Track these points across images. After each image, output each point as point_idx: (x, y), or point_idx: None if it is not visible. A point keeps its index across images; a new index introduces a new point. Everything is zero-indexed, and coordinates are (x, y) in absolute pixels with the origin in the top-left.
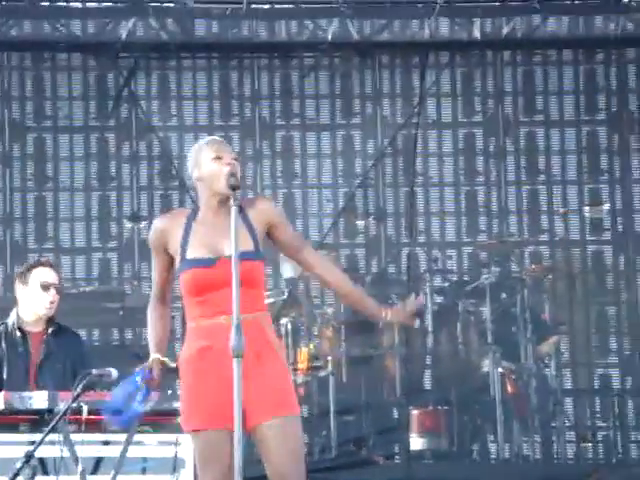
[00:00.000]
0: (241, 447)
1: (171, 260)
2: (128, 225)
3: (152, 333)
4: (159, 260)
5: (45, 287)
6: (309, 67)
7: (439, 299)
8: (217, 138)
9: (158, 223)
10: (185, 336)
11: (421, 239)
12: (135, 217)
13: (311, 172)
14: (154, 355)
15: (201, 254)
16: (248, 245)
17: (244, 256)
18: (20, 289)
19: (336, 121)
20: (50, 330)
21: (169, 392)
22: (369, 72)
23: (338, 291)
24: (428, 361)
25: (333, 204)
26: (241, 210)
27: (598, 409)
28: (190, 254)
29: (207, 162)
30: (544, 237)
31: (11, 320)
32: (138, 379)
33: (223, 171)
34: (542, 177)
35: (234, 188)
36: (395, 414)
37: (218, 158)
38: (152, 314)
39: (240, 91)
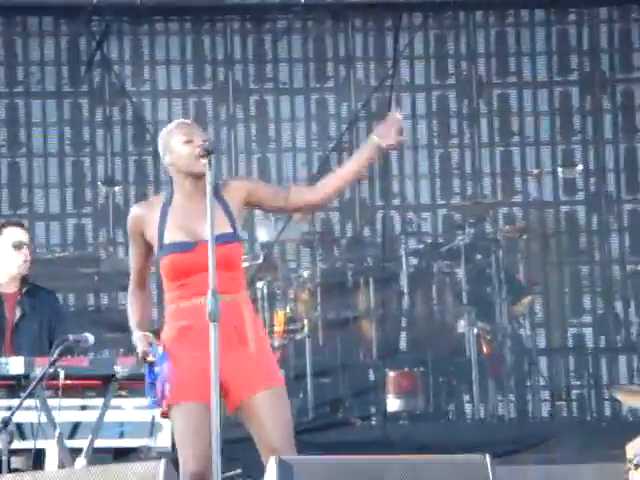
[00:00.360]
0: (219, 415)
1: (149, 247)
2: (102, 190)
3: (132, 315)
4: (136, 247)
5: (17, 246)
6: (282, 30)
7: (414, 261)
8: (186, 121)
9: (134, 210)
10: (164, 319)
11: (395, 202)
12: (109, 182)
13: (285, 136)
14: (137, 332)
15: (179, 238)
16: (226, 227)
17: (222, 239)
18: None
19: (310, 85)
20: (24, 290)
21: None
22: (342, 35)
23: (342, 189)
24: (404, 323)
25: (307, 168)
26: (216, 193)
27: (572, 368)
28: (168, 239)
29: (178, 146)
30: (518, 198)
31: None
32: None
33: (195, 153)
34: (516, 138)
35: (209, 152)
36: (371, 376)
37: (189, 142)
38: (131, 299)
39: (213, 55)
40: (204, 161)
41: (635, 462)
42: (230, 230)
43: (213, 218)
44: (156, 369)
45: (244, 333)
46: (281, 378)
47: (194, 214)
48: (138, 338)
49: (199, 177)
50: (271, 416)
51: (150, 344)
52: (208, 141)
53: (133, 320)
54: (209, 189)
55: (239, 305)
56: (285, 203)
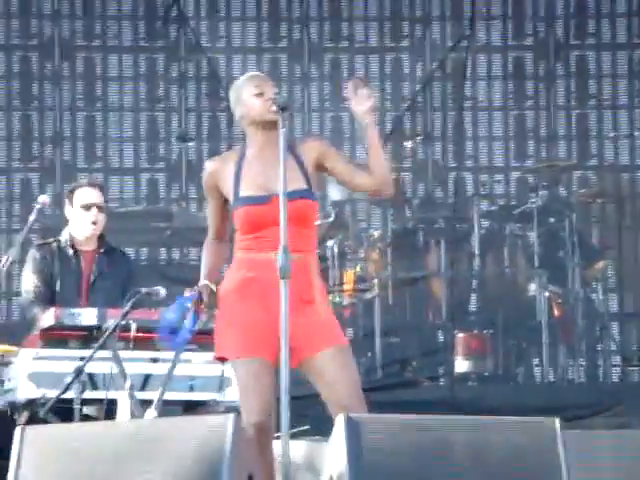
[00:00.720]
0: (287, 368)
1: (224, 201)
2: (176, 146)
3: (204, 263)
4: (213, 201)
5: (87, 207)
6: None
7: (486, 223)
8: (257, 73)
9: (209, 165)
10: (230, 267)
11: (468, 163)
12: (183, 136)
13: None
14: (203, 281)
15: (254, 192)
16: (300, 183)
17: (297, 194)
18: (68, 209)
19: (385, 44)
20: (101, 250)
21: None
22: None
23: (383, 168)
24: (474, 284)
25: (381, 128)
26: (292, 149)
27: None
28: (243, 192)
29: (249, 98)
30: (593, 162)
31: (64, 238)
32: (188, 304)
33: (266, 105)
34: (592, 101)
35: (283, 109)
36: (440, 336)
37: (260, 94)
38: (205, 250)
39: (289, 13)
40: (274, 107)
41: None
42: (305, 186)
43: (286, 173)
44: (188, 319)
45: (311, 293)
46: (345, 339)
47: (269, 167)
48: (203, 287)
49: (271, 128)
50: (340, 373)
51: (210, 293)
52: (279, 94)
53: (203, 271)
54: (282, 145)
55: (307, 265)
56: (351, 181)
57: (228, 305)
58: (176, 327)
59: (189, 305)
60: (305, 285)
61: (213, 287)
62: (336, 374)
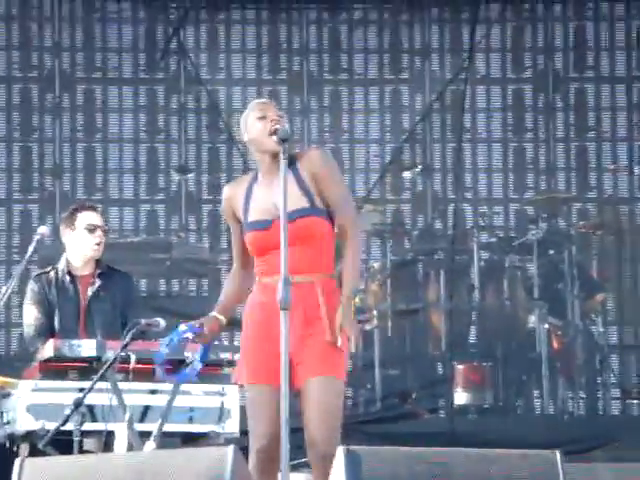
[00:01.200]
0: (287, 399)
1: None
2: (176, 177)
3: (222, 293)
4: (233, 227)
5: (91, 229)
6: (358, 20)
7: (485, 255)
8: (262, 99)
9: (225, 192)
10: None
11: (468, 195)
12: (183, 169)
13: (359, 127)
14: (212, 313)
15: (258, 217)
16: (301, 202)
17: (296, 214)
18: (67, 234)
19: (384, 76)
20: (98, 272)
21: (215, 343)
22: (418, 26)
23: (342, 267)
24: (474, 316)
25: (380, 159)
26: (292, 163)
27: None
28: (250, 217)
29: (253, 123)
30: (592, 194)
31: (61, 265)
32: (188, 335)
33: (267, 128)
34: (592, 134)
35: (282, 140)
36: (440, 368)
37: (263, 118)
38: (228, 278)
39: (289, 45)
40: (275, 138)
41: None
42: (306, 204)
43: (286, 195)
44: (196, 354)
45: (312, 319)
46: (337, 369)
47: (273, 191)
48: (209, 318)
49: (274, 154)
50: (315, 403)
51: (201, 326)
52: (281, 126)
53: (218, 300)
54: (282, 175)
55: (313, 287)
56: (336, 217)
57: (243, 330)
58: (171, 359)
59: (188, 336)
60: (311, 307)
61: (221, 318)
62: (311, 402)
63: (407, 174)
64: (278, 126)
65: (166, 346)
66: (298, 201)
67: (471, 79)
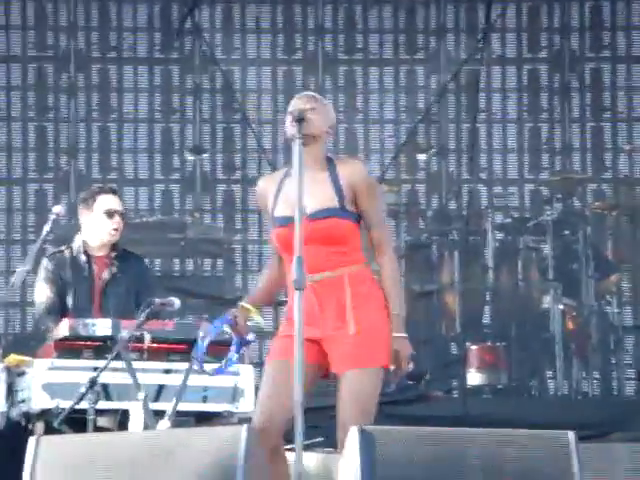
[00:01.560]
0: (302, 379)
1: None
2: (190, 157)
3: (258, 280)
4: (269, 219)
5: (110, 214)
6: (373, 0)
7: (500, 235)
8: (301, 94)
9: (258, 185)
10: None
11: (483, 175)
12: (197, 150)
13: (373, 107)
14: (240, 303)
15: (285, 212)
16: (332, 202)
17: (326, 213)
18: (84, 215)
19: (399, 56)
20: (114, 254)
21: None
22: (434, 6)
23: (383, 284)
24: (488, 297)
25: (395, 140)
26: (331, 166)
27: None
28: (277, 212)
29: (286, 119)
30: (608, 175)
31: (76, 245)
32: (225, 327)
33: (288, 120)
34: (607, 114)
35: (299, 120)
36: (454, 349)
37: (290, 112)
38: (266, 266)
39: (304, 25)
40: (293, 127)
41: None
42: (335, 205)
43: (315, 189)
44: (232, 348)
45: (343, 312)
46: (375, 360)
47: (303, 186)
48: (238, 309)
49: (306, 145)
50: (348, 398)
51: (233, 318)
52: (310, 110)
53: (257, 286)
54: (297, 157)
55: (341, 282)
56: (369, 231)
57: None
58: (205, 350)
59: (225, 329)
60: (337, 302)
61: (249, 307)
62: (344, 397)
63: (422, 156)
64: (295, 113)
65: (202, 339)
66: (328, 201)
67: (486, 59)
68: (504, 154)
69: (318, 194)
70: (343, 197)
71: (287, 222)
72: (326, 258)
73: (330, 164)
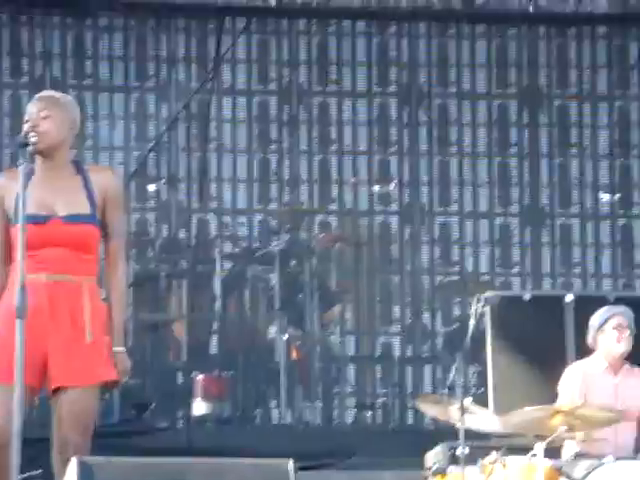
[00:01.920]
0: (21, 405)
1: (9, 218)
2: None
3: None
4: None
5: None
6: (103, 28)
7: (228, 265)
8: (39, 96)
9: None
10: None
11: (213, 205)
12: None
13: (103, 134)
14: None
15: (34, 211)
16: (84, 208)
17: (82, 219)
18: None
19: (130, 84)
20: None
21: None
22: (164, 35)
23: (111, 293)
24: (215, 326)
25: (124, 167)
26: (80, 171)
27: (379, 376)
28: (30, 210)
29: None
30: (333, 206)
31: None
32: None
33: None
34: (334, 147)
35: (22, 145)
36: (180, 379)
37: (27, 121)
38: None
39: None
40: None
41: (433, 470)
42: (87, 211)
43: (62, 196)
44: None
45: (80, 320)
46: (98, 376)
47: (53, 189)
48: None
49: (47, 155)
50: (66, 416)
51: None
52: (26, 132)
53: None
54: (22, 179)
55: (80, 289)
56: (104, 239)
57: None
58: None
59: None
60: (76, 308)
61: None
62: (62, 415)
63: (151, 187)
64: (27, 129)
65: None
66: (82, 207)
67: (217, 89)
68: (234, 183)
69: (72, 198)
70: (95, 205)
71: (38, 221)
72: (71, 263)
73: (80, 169)
